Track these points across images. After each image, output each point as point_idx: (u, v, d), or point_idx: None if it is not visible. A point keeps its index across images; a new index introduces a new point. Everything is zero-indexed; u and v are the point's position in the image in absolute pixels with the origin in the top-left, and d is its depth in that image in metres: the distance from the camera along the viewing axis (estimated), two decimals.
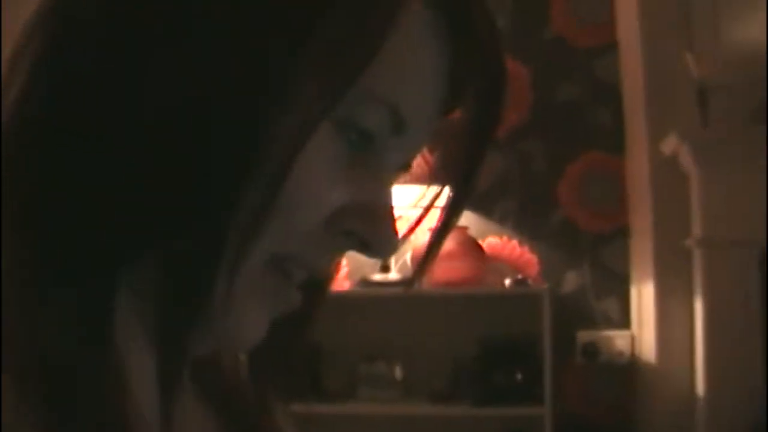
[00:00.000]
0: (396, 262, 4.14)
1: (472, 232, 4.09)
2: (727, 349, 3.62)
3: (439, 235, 0.72)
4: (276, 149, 0.58)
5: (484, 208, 4.23)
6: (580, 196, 4.24)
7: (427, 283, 4.03)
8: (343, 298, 4.11)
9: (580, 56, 4.27)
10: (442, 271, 3.94)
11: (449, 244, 3.93)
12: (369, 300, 4.14)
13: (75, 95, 0.59)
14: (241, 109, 0.57)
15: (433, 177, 0.74)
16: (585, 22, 4.29)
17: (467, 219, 4.14)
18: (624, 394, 4.11)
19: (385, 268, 4.10)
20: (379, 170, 0.66)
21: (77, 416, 0.56)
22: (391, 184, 0.68)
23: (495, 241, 4.19)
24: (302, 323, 0.74)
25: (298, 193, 0.60)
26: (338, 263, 0.72)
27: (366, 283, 4.08)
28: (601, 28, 4.27)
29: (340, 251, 0.67)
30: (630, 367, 4.11)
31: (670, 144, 3.74)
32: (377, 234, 0.65)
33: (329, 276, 0.73)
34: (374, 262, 4.07)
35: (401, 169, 0.70)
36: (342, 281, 4.19)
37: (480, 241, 4.10)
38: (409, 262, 4.10)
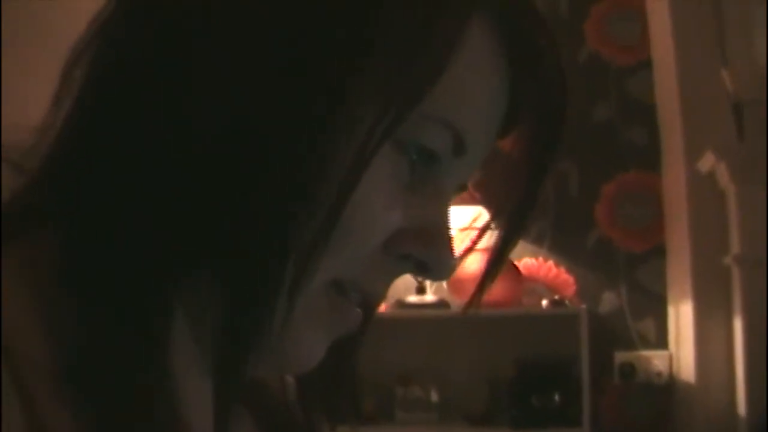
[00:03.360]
0: (432, 283, 4.12)
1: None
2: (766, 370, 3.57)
3: (493, 266, 0.72)
4: (337, 172, 0.57)
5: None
6: (615, 216, 4.21)
7: (463, 305, 4.01)
8: (378, 320, 4.08)
9: (614, 75, 4.25)
10: None
11: (485, 265, 3.90)
12: (405, 322, 4.12)
13: (132, 110, 0.59)
14: (302, 131, 0.57)
15: (485, 202, 0.73)
16: (619, 41, 4.26)
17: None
18: (663, 415, 4.06)
19: (421, 290, 4.08)
20: (437, 192, 0.66)
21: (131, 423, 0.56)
22: (448, 205, 0.68)
23: (531, 262, 4.17)
24: (352, 345, 0.74)
25: (357, 216, 0.60)
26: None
27: (402, 305, 4.06)
28: (634, 47, 4.25)
29: (398, 274, 0.67)
30: (668, 388, 4.06)
31: (707, 162, 3.71)
32: (436, 256, 0.65)
33: (382, 299, 0.72)
34: (410, 284, 4.05)
35: (457, 191, 0.70)
36: None
37: (516, 262, 4.07)
38: (445, 284, 4.08)
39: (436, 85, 0.60)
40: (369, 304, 0.68)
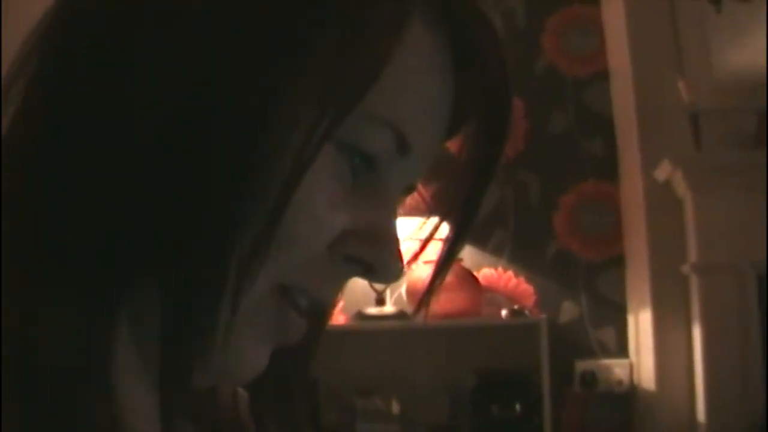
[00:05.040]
0: (391, 295, 4.12)
1: (467, 263, 4.08)
2: (727, 375, 3.60)
3: (440, 268, 0.71)
4: (277, 174, 0.56)
5: (478, 240, 4.22)
6: (574, 226, 4.24)
7: (422, 316, 4.01)
8: (338, 332, 4.09)
9: (572, 86, 4.28)
10: (438, 303, 3.92)
11: (433, 269, 3.90)
12: (365, 334, 4.11)
13: (71, 117, 0.58)
14: (241, 133, 0.56)
15: (433, 209, 0.72)
16: (575, 53, 4.30)
17: (462, 250, 4.12)
18: (624, 423, 4.07)
19: (381, 302, 4.07)
20: (382, 194, 0.64)
21: None
22: (395, 208, 0.67)
23: (490, 273, 4.18)
24: (304, 354, 0.72)
25: (300, 218, 0.58)
26: (341, 292, 0.70)
27: (361, 316, 4.05)
28: (591, 58, 4.28)
29: (345, 278, 0.65)
30: (629, 396, 4.08)
31: (663, 170, 3.74)
32: (382, 258, 0.63)
33: (332, 305, 0.70)
34: (369, 296, 4.05)
35: (405, 192, 0.69)
36: (337, 315, 4.17)
37: (475, 273, 4.08)
38: (404, 295, 4.08)
39: (376, 85, 0.59)
40: (318, 311, 0.66)
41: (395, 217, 0.66)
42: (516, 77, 4.25)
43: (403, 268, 0.64)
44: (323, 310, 0.68)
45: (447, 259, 0.71)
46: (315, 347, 0.72)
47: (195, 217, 0.56)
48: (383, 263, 0.63)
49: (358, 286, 4.13)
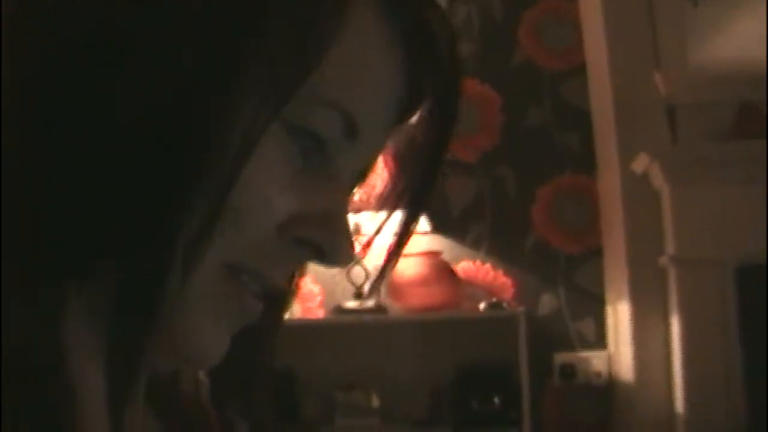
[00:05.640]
0: (371, 289, 4.12)
1: (446, 256, 4.08)
2: (705, 366, 3.62)
3: (395, 250, 0.71)
4: (223, 154, 0.56)
5: (457, 233, 4.23)
6: (552, 219, 4.25)
7: (401, 310, 4.02)
8: (317, 326, 4.09)
9: (548, 80, 4.29)
10: (417, 296, 3.93)
11: (423, 269, 3.92)
12: (344, 328, 4.11)
13: (22, 103, 0.58)
14: (186, 114, 0.56)
15: (389, 191, 0.72)
16: (552, 46, 4.30)
17: (440, 244, 4.14)
18: (602, 414, 4.09)
19: (359, 296, 4.07)
20: (334, 177, 0.64)
21: (21, 425, 0.54)
22: (346, 192, 0.67)
23: (469, 266, 4.18)
24: (264, 340, 0.72)
25: (248, 198, 0.59)
26: (298, 277, 0.71)
27: (340, 310, 4.05)
28: (568, 51, 4.29)
29: (296, 261, 0.65)
30: (608, 388, 4.10)
31: (640, 163, 3.75)
32: (332, 241, 0.63)
33: (287, 290, 0.70)
34: (348, 290, 4.05)
35: (358, 177, 0.69)
36: (316, 309, 4.17)
37: (454, 266, 4.08)
38: (383, 289, 4.08)
39: (322, 68, 0.59)
40: (272, 295, 0.66)
41: (347, 202, 0.66)
42: (493, 71, 4.27)
43: (353, 252, 0.64)
44: (279, 293, 0.68)
45: (401, 240, 0.71)
46: (275, 332, 0.72)
47: (142, 196, 0.56)
48: (334, 246, 0.63)
49: (337, 280, 4.14)
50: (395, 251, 0.71)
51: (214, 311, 0.62)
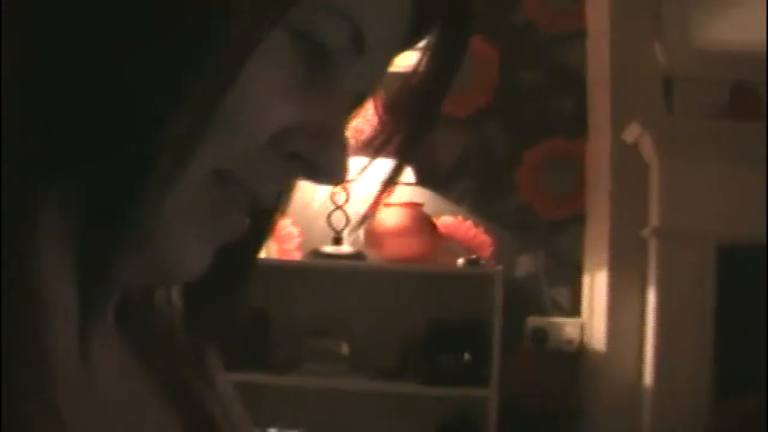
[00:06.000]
0: (349, 235, 4.10)
1: (428, 209, 4.06)
2: (678, 341, 3.63)
3: (382, 191, 0.68)
4: (221, 51, 0.53)
5: (441, 187, 4.20)
6: (538, 182, 4.23)
7: (379, 258, 4.00)
8: (292, 268, 4.06)
9: (547, 42, 4.25)
10: (395, 246, 3.91)
11: (403, 220, 3.90)
12: (319, 272, 4.08)
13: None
14: (186, 10, 0.53)
15: (378, 135, 0.69)
16: (555, 8, 4.26)
17: (423, 196, 4.12)
18: (571, 381, 4.10)
19: (338, 241, 4.05)
20: (334, 93, 0.61)
21: None
22: (347, 109, 0.64)
23: (449, 220, 4.16)
24: (244, 262, 0.69)
25: (244, 103, 0.56)
26: (286, 193, 0.67)
27: (317, 254, 4.02)
28: (570, 15, 4.25)
29: (286, 176, 0.62)
30: (578, 355, 4.11)
31: (632, 132, 3.73)
32: (326, 158, 0.60)
33: (274, 210, 0.67)
34: (327, 234, 4.02)
35: (358, 100, 0.66)
36: (293, 252, 4.14)
37: (434, 219, 4.06)
38: (362, 236, 4.06)
39: None
40: (259, 209, 0.63)
41: (346, 120, 0.64)
42: (495, 27, 4.23)
43: (347, 172, 0.62)
44: (265, 212, 0.66)
45: (385, 189, 0.68)
46: (256, 254, 0.70)
47: (128, 88, 0.53)
48: (328, 163, 0.61)
49: (317, 225, 4.11)
50: (379, 198, 0.69)
51: (198, 222, 0.59)
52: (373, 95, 0.68)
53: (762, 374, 3.53)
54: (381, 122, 0.68)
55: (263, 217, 0.66)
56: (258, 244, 0.69)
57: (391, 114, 0.68)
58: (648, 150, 3.72)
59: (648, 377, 3.70)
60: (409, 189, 4.05)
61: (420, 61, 0.65)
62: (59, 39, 0.54)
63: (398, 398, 4.04)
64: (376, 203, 0.70)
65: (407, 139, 0.67)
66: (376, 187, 0.69)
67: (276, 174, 0.61)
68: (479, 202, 4.23)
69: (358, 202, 4.07)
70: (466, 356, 3.84)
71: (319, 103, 0.60)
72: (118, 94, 0.53)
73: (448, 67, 0.65)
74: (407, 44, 0.66)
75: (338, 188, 4.05)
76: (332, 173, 0.61)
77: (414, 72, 0.65)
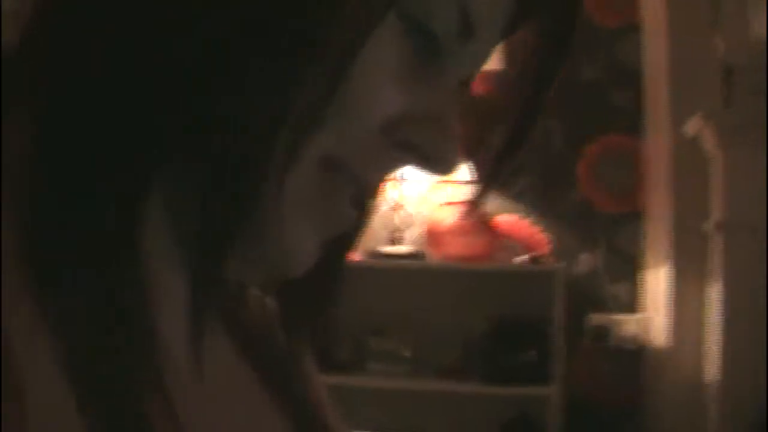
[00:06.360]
0: (409, 236, 4.10)
1: (486, 207, 4.04)
2: (740, 336, 3.57)
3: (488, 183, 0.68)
4: (337, 39, 0.53)
5: (499, 184, 4.18)
6: (597, 178, 4.20)
7: (438, 258, 3.99)
8: (352, 268, 4.05)
9: (604, 36, 4.22)
10: (454, 245, 3.90)
11: (461, 218, 3.89)
12: (380, 272, 4.08)
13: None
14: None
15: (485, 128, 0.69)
16: (610, 2, 4.23)
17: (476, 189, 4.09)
18: (633, 379, 4.06)
19: (397, 241, 4.05)
20: (441, 80, 0.60)
21: (94, 325, 0.51)
22: (454, 98, 0.63)
23: (508, 219, 4.14)
24: (341, 256, 0.67)
25: (358, 88, 0.55)
26: (384, 184, 0.66)
27: (376, 254, 4.02)
28: (625, 9, 4.22)
29: (395, 165, 0.61)
30: (640, 352, 4.07)
31: (693, 125, 3.69)
32: (437, 146, 0.59)
33: (376, 197, 0.66)
34: (386, 235, 4.02)
35: (463, 84, 0.64)
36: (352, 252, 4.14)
37: (492, 217, 4.05)
38: (421, 236, 4.06)
39: None
40: (363, 201, 0.62)
41: (454, 108, 0.62)
42: None
43: (457, 160, 0.61)
44: (367, 201, 0.64)
45: (493, 180, 0.68)
46: (351, 251, 0.68)
47: (245, 80, 0.52)
48: (440, 151, 0.60)
49: (374, 224, 4.11)
50: (482, 193, 0.69)
51: (309, 214, 0.58)
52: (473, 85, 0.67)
53: None
54: (479, 121, 0.68)
55: (365, 210, 0.65)
56: (354, 241, 0.68)
57: (491, 111, 0.67)
58: (709, 143, 3.67)
59: (711, 373, 3.66)
60: (467, 187, 4.04)
61: (523, 51, 0.65)
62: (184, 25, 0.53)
63: (460, 397, 4.03)
64: (481, 195, 0.70)
65: (512, 134, 0.66)
66: (428, 186, 0.68)
67: (386, 162, 0.60)
68: (538, 199, 4.21)
69: (412, 202, 4.07)
70: (528, 355, 3.83)
71: (428, 91, 0.59)
72: (237, 75, 0.52)
73: (549, 64, 0.64)
74: (511, 31, 0.64)
75: (394, 188, 4.06)
76: (444, 163, 0.60)
77: (515, 63, 0.65)
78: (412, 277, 4.14)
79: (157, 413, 0.52)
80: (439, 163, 0.60)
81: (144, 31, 0.53)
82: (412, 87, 0.58)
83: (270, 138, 0.52)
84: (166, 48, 0.53)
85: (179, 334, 0.56)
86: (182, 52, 0.53)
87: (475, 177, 3.80)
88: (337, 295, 0.69)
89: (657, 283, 3.98)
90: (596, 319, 4.10)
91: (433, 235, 3.97)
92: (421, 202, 4.13)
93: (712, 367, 3.65)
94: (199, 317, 0.54)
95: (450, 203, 3.96)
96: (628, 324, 4.09)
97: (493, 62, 0.60)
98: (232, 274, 0.58)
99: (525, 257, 3.97)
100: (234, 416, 0.64)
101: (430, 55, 0.59)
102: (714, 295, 3.66)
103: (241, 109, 0.52)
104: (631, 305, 4.13)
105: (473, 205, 0.69)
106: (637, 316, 4.10)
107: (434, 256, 4.01)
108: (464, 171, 3.88)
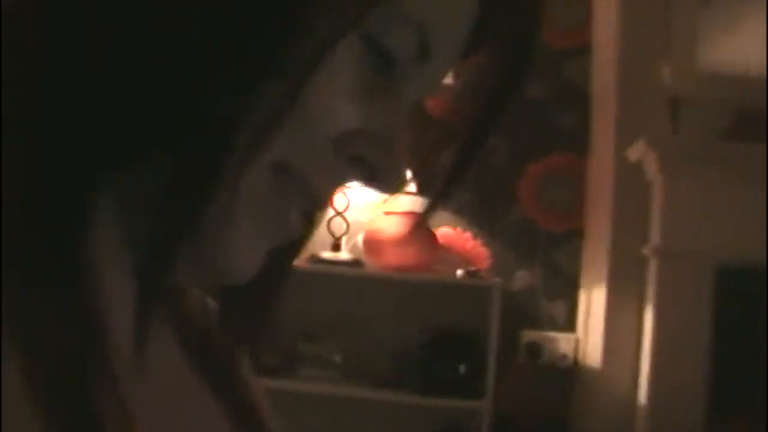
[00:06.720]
0: (347, 242, 4.09)
1: (429, 220, 4.04)
2: (674, 360, 3.62)
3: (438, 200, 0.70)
4: (298, 54, 0.54)
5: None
6: (538, 196, 4.23)
7: (377, 267, 3.99)
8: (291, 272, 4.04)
9: (553, 57, 4.26)
10: (393, 255, 3.90)
11: (402, 228, 3.89)
12: (317, 277, 4.07)
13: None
14: (267, 9, 0.53)
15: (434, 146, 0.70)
16: (561, 24, 4.27)
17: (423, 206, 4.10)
18: (564, 397, 4.10)
19: (336, 247, 4.04)
20: (397, 101, 0.62)
21: (42, 316, 0.51)
22: (406, 118, 0.64)
23: (448, 232, 4.15)
24: (286, 264, 0.69)
25: (315, 100, 0.56)
26: (332, 198, 0.67)
27: (315, 260, 4.01)
28: (576, 31, 4.26)
29: (345, 178, 0.62)
30: (572, 371, 4.10)
31: (637, 150, 3.73)
32: (388, 165, 0.61)
33: (324, 208, 0.67)
34: (324, 240, 4.01)
35: (416, 105, 0.66)
36: None
37: (433, 230, 4.06)
38: (360, 244, 4.06)
39: None
40: (311, 210, 0.63)
41: (406, 127, 0.63)
42: None
43: (405, 180, 0.62)
44: (315, 215, 0.65)
45: (436, 205, 0.71)
46: (295, 259, 0.70)
47: (205, 85, 0.53)
48: (388, 171, 0.61)
49: (318, 229, 4.09)
50: (431, 208, 0.71)
51: (259, 221, 0.59)
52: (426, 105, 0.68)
53: (756, 395, 3.53)
54: (430, 137, 0.69)
55: (312, 220, 0.66)
56: (299, 249, 0.69)
57: (441, 130, 0.68)
58: (651, 168, 3.72)
59: (642, 396, 3.70)
60: (409, 198, 4.04)
61: (475, 75, 0.66)
62: (141, 19, 0.53)
63: (391, 407, 4.02)
64: (430, 209, 0.71)
65: (461, 153, 0.67)
66: (376, 195, 0.69)
67: (336, 175, 0.61)
68: (479, 214, 4.22)
69: (357, 210, 4.07)
70: (461, 368, 3.84)
71: (383, 109, 0.60)
72: (195, 75, 0.53)
73: (502, 87, 0.65)
74: (467, 54, 0.65)
75: (339, 193, 4.05)
76: (391, 181, 0.62)
77: (469, 87, 0.66)
78: (349, 284, 4.13)
79: (108, 412, 0.52)
80: (386, 181, 0.62)
81: (105, 32, 0.53)
82: (368, 104, 0.59)
83: (224, 144, 0.53)
84: (122, 48, 0.53)
85: (127, 334, 0.55)
86: (138, 53, 0.53)
87: (420, 190, 3.81)
88: (277, 302, 0.70)
89: (593, 303, 4.02)
90: (530, 335, 4.13)
91: (373, 244, 3.97)
92: (365, 210, 4.13)
93: (643, 390, 3.69)
94: (145, 318, 0.54)
95: (392, 213, 3.96)
96: (561, 342, 4.12)
97: (448, 78, 0.61)
98: (179, 276, 0.59)
99: (463, 271, 3.98)
100: (180, 414, 0.64)
101: (388, 75, 0.60)
102: (648, 319, 3.70)
103: (196, 114, 0.53)
104: (566, 324, 4.16)
105: (421, 220, 0.71)
106: (572, 335, 4.14)
107: (373, 265, 4.01)
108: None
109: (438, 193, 0.69)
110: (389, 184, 0.62)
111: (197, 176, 0.53)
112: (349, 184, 0.63)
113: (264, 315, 0.70)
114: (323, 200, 0.63)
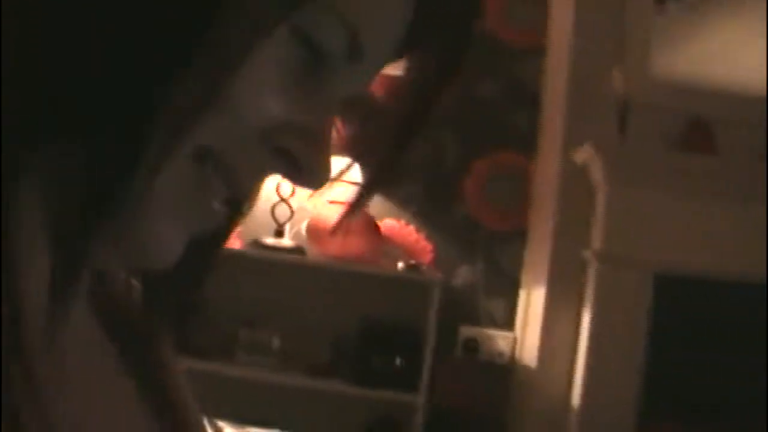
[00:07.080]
0: (291, 229, 4.08)
1: (372, 210, 4.05)
2: (608, 363, 3.67)
3: (356, 204, 0.69)
4: (229, 35, 0.53)
5: (387, 189, 4.19)
6: (484, 193, 4.24)
7: (319, 255, 3.98)
8: (231, 257, 4.03)
9: (507, 55, 4.27)
10: (336, 244, 3.90)
11: (336, 217, 3.88)
12: (258, 263, 4.05)
13: None
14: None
15: (356, 145, 0.70)
16: (517, 23, 4.28)
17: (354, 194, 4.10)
18: (499, 394, 4.12)
19: (279, 234, 4.03)
20: (326, 95, 0.61)
21: None
22: (334, 113, 0.64)
23: (392, 224, 4.16)
24: (210, 253, 0.68)
25: (241, 90, 0.56)
26: (258, 192, 0.66)
27: (257, 245, 4.00)
28: (532, 31, 4.27)
29: (268, 171, 0.61)
30: (508, 368, 4.13)
31: (583, 153, 3.76)
32: (312, 159, 0.60)
33: (248, 202, 0.66)
34: (268, 226, 4.00)
35: (347, 104, 0.66)
36: (233, 240, 4.11)
37: (378, 221, 4.06)
38: (303, 231, 4.05)
39: None
40: (234, 200, 0.62)
41: (333, 125, 0.63)
42: None
43: (329, 177, 0.61)
44: (238, 205, 0.64)
45: (365, 195, 0.69)
46: (220, 248, 0.69)
47: (128, 69, 0.52)
48: (313, 164, 0.60)
49: (259, 215, 4.08)
50: (358, 202, 0.69)
51: (178, 209, 0.58)
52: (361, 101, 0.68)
53: (686, 402, 3.59)
54: (363, 132, 0.68)
55: (235, 210, 0.65)
56: (224, 239, 0.68)
57: (373, 127, 0.68)
58: (596, 173, 3.75)
59: (576, 396, 3.73)
60: (353, 188, 4.04)
61: (410, 75, 0.65)
62: (65, 10, 0.52)
63: (328, 395, 4.03)
64: (355, 205, 0.69)
65: (387, 152, 0.66)
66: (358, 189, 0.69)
67: (259, 166, 0.60)
68: (424, 208, 4.23)
69: (302, 196, 4.06)
70: (398, 360, 3.85)
71: (311, 104, 0.60)
72: (117, 62, 0.52)
73: (437, 83, 0.65)
74: (399, 55, 0.65)
75: (283, 180, 4.03)
76: (315, 176, 0.61)
77: (403, 86, 0.65)
78: (290, 271, 4.13)
79: (22, 395, 0.51)
80: (309, 176, 0.61)
81: (27, 16, 0.53)
82: (296, 97, 0.59)
83: (146, 127, 0.52)
84: (47, 30, 0.53)
85: (42, 316, 0.55)
86: (64, 35, 0.52)
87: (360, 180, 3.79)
88: (201, 287, 0.69)
89: (532, 303, 4.05)
90: (468, 331, 4.15)
91: (316, 232, 3.96)
92: (310, 197, 4.12)
93: (576, 391, 3.72)
94: (61, 298, 0.54)
95: (336, 202, 3.96)
96: (499, 339, 4.15)
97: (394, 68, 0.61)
98: (98, 258, 0.58)
99: (404, 264, 3.98)
100: (95, 395, 0.64)
101: (317, 70, 0.60)
102: (586, 321, 3.73)
103: (119, 96, 0.52)
104: (505, 322, 4.19)
105: (352, 209, 0.69)
106: (509, 333, 4.16)
107: (315, 253, 4.00)
108: (356, 171, 3.87)
109: (365, 184, 0.68)
110: (312, 178, 0.61)
111: (113, 161, 0.53)
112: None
113: (187, 300, 0.70)
114: (248, 191, 0.63)
